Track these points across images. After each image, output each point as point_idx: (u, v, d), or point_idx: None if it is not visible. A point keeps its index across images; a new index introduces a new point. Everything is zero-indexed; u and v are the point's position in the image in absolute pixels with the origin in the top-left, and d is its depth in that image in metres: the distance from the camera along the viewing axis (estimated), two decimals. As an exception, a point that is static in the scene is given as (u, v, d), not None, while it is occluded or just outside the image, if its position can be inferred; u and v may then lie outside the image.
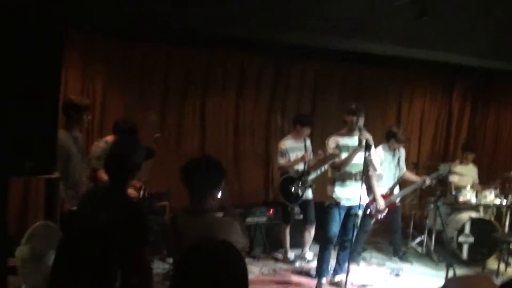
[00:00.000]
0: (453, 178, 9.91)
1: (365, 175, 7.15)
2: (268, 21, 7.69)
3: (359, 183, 7.16)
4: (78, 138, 6.71)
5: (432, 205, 9.51)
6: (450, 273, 6.76)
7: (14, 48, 4.25)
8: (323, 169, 8.21)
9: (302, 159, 8.40)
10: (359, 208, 7.26)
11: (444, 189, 9.97)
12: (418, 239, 9.74)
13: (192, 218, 4.14)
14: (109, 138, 7.17)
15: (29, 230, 4.94)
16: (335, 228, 7.32)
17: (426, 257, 9.41)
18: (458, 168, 9.77)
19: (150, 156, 4.56)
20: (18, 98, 4.28)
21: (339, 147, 7.27)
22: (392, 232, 9.34)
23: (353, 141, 7.21)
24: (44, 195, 6.95)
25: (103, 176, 6.09)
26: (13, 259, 4.94)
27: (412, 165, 10.50)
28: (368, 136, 6.96)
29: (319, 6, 7.16)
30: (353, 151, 7.05)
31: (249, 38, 8.76)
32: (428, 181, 8.71)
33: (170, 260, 7.90)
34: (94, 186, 5.79)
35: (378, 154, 8.32)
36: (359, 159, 7.06)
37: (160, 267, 8.05)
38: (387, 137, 8.89)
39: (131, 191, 7.33)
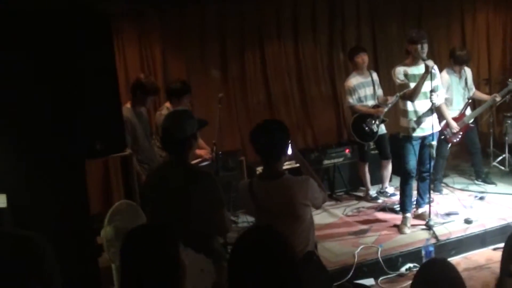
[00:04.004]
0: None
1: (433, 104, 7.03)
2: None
3: (430, 112, 7.07)
4: (142, 113, 6.85)
5: (509, 121, 9.24)
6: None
7: (66, 35, 4.34)
8: (393, 101, 8.09)
9: (377, 112, 8.30)
10: (433, 137, 7.19)
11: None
12: (499, 158, 9.48)
13: (268, 183, 4.22)
14: (167, 104, 7.25)
15: (110, 211, 5.09)
16: (412, 160, 7.24)
17: (510, 174, 9.22)
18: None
19: (202, 125, 4.61)
20: (78, 83, 4.39)
21: (407, 77, 7.13)
22: (472, 155, 9.14)
23: (419, 70, 7.04)
24: (121, 172, 7.12)
25: None
26: (100, 237, 5.11)
27: (484, 81, 10.24)
28: (432, 63, 6.81)
29: None
30: (421, 79, 6.90)
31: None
32: (498, 98, 8.49)
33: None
34: (158, 165, 5.90)
35: (443, 78, 8.12)
36: (427, 87, 6.95)
37: (244, 220, 8.16)
38: (450, 58, 8.69)
39: (201, 152, 7.40)
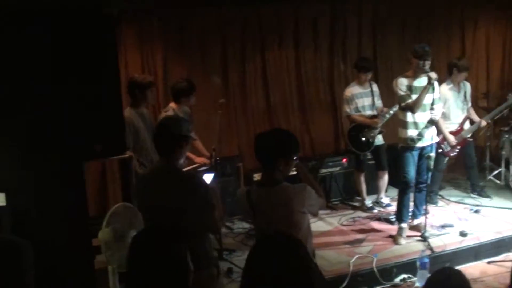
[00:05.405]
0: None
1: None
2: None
3: (429, 123, 7.17)
4: (144, 115, 6.87)
5: (506, 135, 9.28)
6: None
7: (70, 36, 4.35)
8: (391, 112, 8.11)
9: (372, 122, 8.32)
10: (431, 149, 7.21)
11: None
12: (495, 172, 9.51)
13: (265, 190, 4.25)
14: (172, 104, 7.28)
15: (108, 213, 5.09)
16: (412, 171, 7.29)
17: (506, 189, 9.24)
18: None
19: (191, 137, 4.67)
20: (79, 85, 4.40)
21: (410, 89, 7.17)
22: (468, 168, 9.15)
23: (420, 82, 7.12)
24: (119, 175, 7.12)
25: None
26: (96, 239, 5.12)
27: (482, 95, 10.24)
28: (435, 75, 6.92)
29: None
30: (423, 90, 6.98)
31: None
32: (484, 123, 8.67)
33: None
34: (150, 168, 5.96)
35: (442, 92, 8.12)
36: (428, 99, 7.05)
37: (240, 227, 8.21)
38: (449, 70, 8.68)
39: (201, 160, 7.44)
